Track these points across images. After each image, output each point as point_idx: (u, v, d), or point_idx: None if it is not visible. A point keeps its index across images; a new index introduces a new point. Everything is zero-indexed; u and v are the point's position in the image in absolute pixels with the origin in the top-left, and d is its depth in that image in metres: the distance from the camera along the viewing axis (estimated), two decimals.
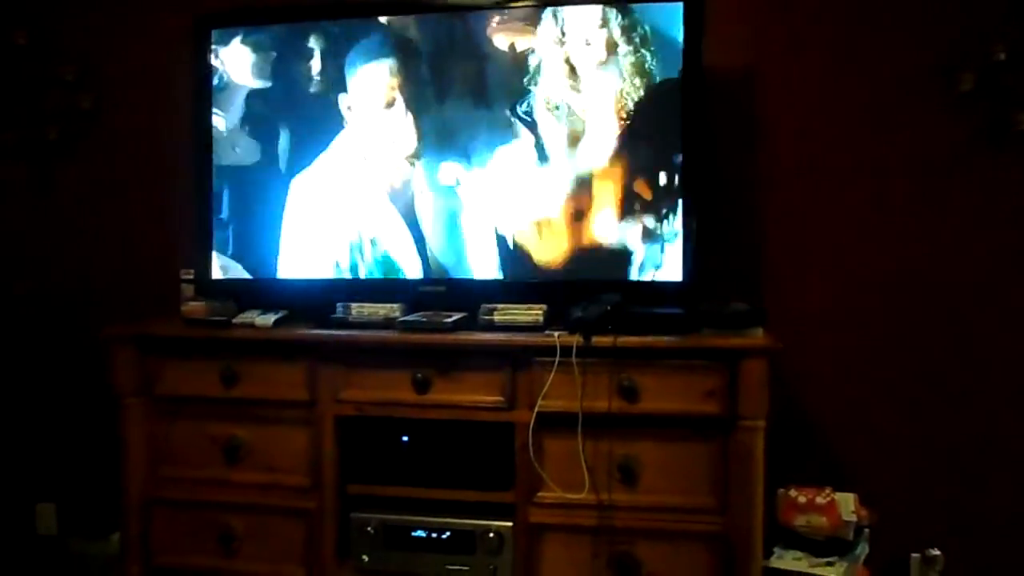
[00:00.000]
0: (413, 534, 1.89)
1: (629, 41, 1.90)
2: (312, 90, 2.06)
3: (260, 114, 2.10)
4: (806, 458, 2.09)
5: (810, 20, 2.12)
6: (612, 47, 1.91)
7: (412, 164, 2.01)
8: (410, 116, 2.01)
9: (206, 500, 1.97)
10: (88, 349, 2.32)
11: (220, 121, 2.12)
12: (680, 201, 1.90)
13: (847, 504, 1.88)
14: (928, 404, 2.09)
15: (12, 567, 2.54)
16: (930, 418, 2.09)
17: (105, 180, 2.50)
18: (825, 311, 2.13)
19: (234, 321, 1.97)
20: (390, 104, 2.01)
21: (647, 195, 1.92)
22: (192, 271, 2.17)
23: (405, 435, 1.91)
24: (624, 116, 1.92)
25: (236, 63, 2.12)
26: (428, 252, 2.02)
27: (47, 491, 2.56)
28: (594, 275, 1.93)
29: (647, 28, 1.90)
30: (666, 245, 1.91)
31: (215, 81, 2.12)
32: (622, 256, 1.93)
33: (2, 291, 2.57)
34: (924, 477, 2.09)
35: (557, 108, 1.94)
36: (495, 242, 1.98)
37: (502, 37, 1.96)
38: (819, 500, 1.89)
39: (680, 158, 1.89)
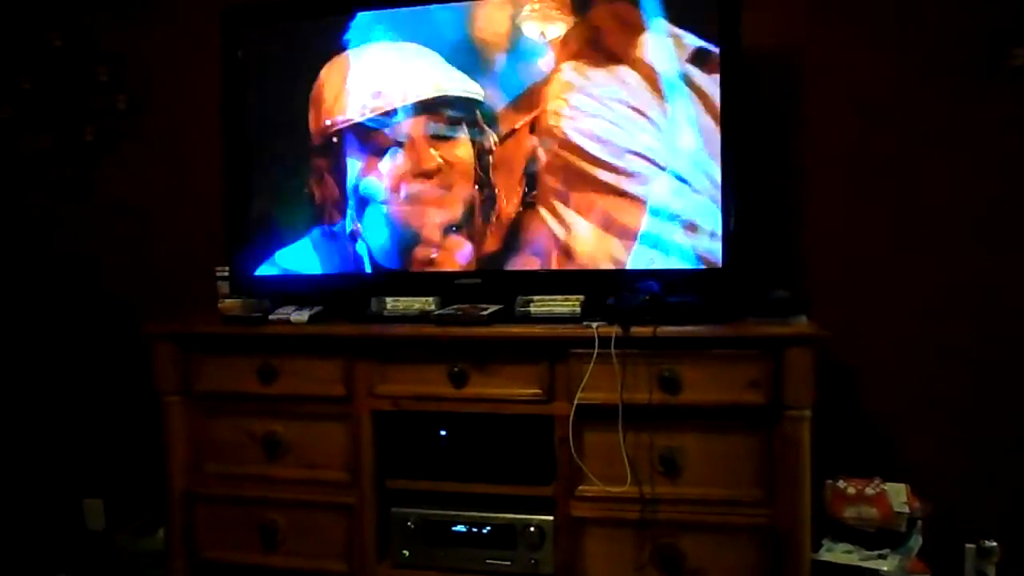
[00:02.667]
0: (453, 529, 1.88)
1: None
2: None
3: (292, 107, 2.09)
4: (854, 448, 2.03)
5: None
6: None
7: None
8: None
9: (248, 496, 1.98)
10: (132, 346, 2.36)
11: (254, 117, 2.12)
12: (719, 187, 1.84)
13: (898, 495, 1.82)
14: (980, 391, 2.01)
15: (61, 562, 2.60)
16: (983, 405, 2.01)
17: (142, 179, 2.53)
18: (872, 298, 2.06)
19: (270, 318, 1.98)
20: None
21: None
22: (227, 268, 2.18)
23: (443, 429, 1.90)
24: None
25: (268, 57, 2.11)
26: (463, 242, 1.99)
27: (95, 487, 2.61)
28: (632, 263, 1.89)
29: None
30: (706, 232, 1.86)
31: (248, 75, 2.11)
32: (660, 243, 1.88)
33: (46, 291, 2.62)
34: (978, 466, 2.01)
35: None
36: (531, 231, 1.95)
37: (530, 25, 1.92)
38: (869, 491, 1.83)
39: (719, 142, 1.84)
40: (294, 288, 2.10)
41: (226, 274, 2.18)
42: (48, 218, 2.61)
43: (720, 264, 1.85)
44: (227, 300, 2.11)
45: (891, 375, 2.06)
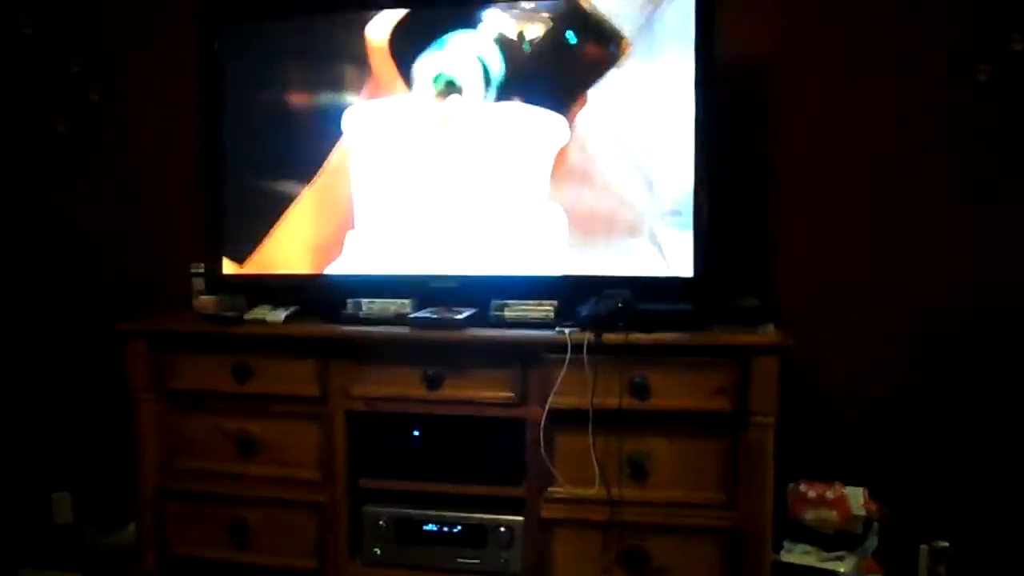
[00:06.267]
0: (424, 528, 1.91)
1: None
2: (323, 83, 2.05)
3: (269, 106, 2.09)
4: (816, 452, 2.09)
5: (826, 10, 2.09)
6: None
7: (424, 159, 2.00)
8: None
9: (219, 493, 1.99)
10: (102, 341, 2.34)
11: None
12: (691, 195, 1.88)
13: (857, 498, 1.89)
14: (936, 396, 2.08)
15: (29, 555, 2.58)
16: (938, 410, 2.08)
17: (115, 173, 2.50)
18: (836, 305, 2.12)
19: (245, 317, 1.98)
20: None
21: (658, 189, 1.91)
22: (202, 265, 2.17)
23: (416, 429, 1.92)
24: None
25: (244, 55, 2.10)
26: (438, 245, 2.01)
27: (63, 480, 2.59)
28: (604, 270, 1.93)
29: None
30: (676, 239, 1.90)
31: (224, 73, 2.11)
32: (633, 251, 1.92)
33: (16, 285, 2.58)
34: (932, 470, 2.09)
35: None
36: (505, 236, 1.97)
37: (512, 25, 1.94)
38: (829, 495, 1.89)
39: (692, 151, 1.88)
40: (270, 285, 2.10)
41: (201, 271, 2.17)
42: (19, 211, 2.57)
43: (691, 272, 1.89)
44: (202, 297, 2.12)
45: (852, 382, 2.12)
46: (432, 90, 1.96)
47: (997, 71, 1.99)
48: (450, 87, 1.95)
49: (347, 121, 2.03)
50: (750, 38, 2.10)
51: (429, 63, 1.96)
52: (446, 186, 1.99)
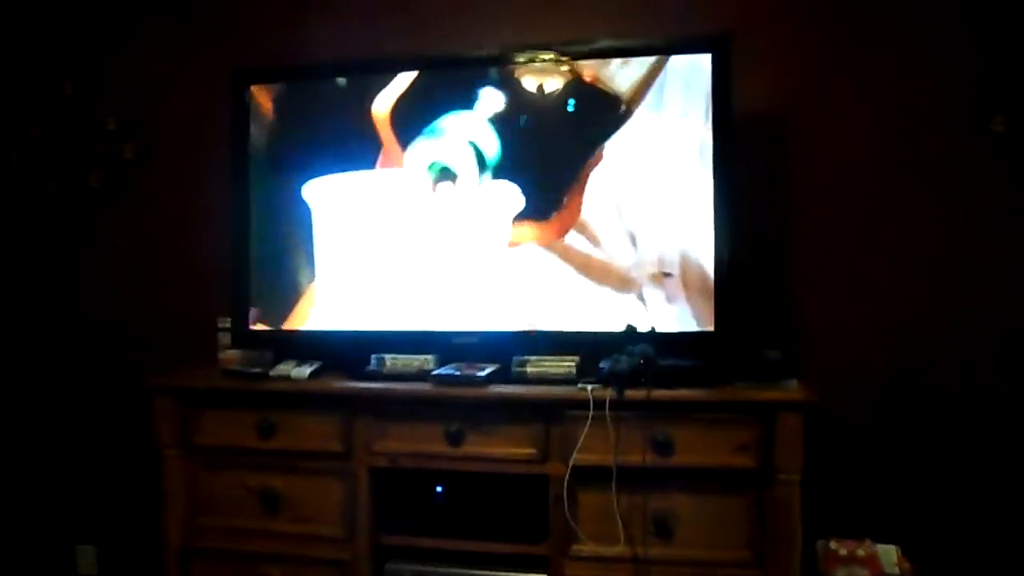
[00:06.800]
0: None
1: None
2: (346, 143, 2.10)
3: (294, 166, 2.14)
4: (844, 509, 2.05)
5: (841, 64, 2.11)
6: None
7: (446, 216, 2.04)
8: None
9: (243, 550, 1.99)
10: (130, 393, 2.38)
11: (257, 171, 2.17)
12: (712, 249, 1.89)
13: (889, 557, 1.85)
14: (970, 453, 2.04)
15: None
16: (973, 467, 2.04)
17: (146, 228, 2.56)
18: (860, 357, 2.10)
19: (270, 373, 2.00)
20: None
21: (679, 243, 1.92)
22: (229, 319, 2.21)
23: (439, 486, 1.92)
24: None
25: (274, 117, 2.17)
26: (461, 302, 2.03)
27: (87, 533, 2.61)
28: (624, 325, 1.92)
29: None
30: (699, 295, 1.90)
31: (253, 133, 2.17)
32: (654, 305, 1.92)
33: (46, 337, 2.64)
34: (966, 528, 2.04)
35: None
36: (527, 292, 1.99)
37: (529, 79, 1.99)
38: (860, 552, 1.86)
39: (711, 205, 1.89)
40: (295, 342, 2.13)
41: (228, 325, 2.21)
42: (51, 264, 2.64)
43: (712, 327, 1.89)
44: (228, 352, 2.14)
45: (880, 436, 2.09)
46: (428, 177, 2.01)
47: (1012, 121, 1.99)
48: (445, 174, 2.00)
49: (310, 193, 2.10)
50: (766, 93, 2.12)
51: (423, 151, 2.02)
52: (459, 248, 2.02)
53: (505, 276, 2.00)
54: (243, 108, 2.18)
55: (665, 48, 1.93)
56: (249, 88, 2.17)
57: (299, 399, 1.95)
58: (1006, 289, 2.03)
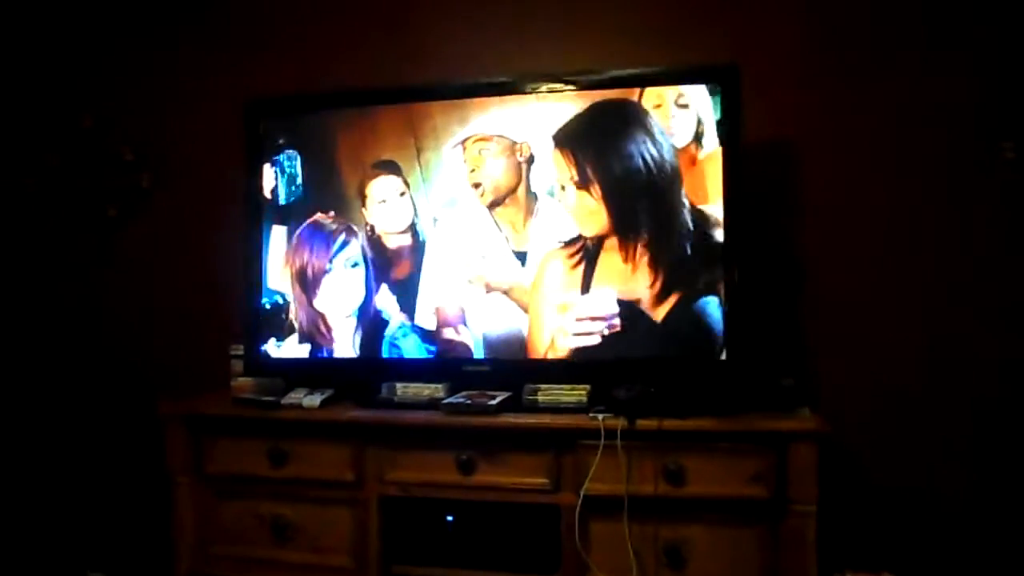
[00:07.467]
0: None
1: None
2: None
3: (305, 195, 2.17)
4: (861, 541, 2.02)
5: (850, 93, 2.12)
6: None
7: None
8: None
9: None
10: (142, 420, 2.39)
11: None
12: (722, 278, 1.89)
13: None
14: (990, 483, 2.01)
15: None
16: (993, 499, 2.01)
17: (160, 257, 2.60)
18: (873, 385, 2.08)
19: (282, 402, 2.01)
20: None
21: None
22: (241, 347, 2.22)
23: (450, 515, 1.91)
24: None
25: (287, 147, 2.20)
26: (471, 330, 2.03)
27: (98, 560, 2.60)
28: (637, 353, 1.92)
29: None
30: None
31: (266, 164, 2.20)
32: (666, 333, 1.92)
33: (59, 363, 2.67)
34: (986, 561, 2.00)
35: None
36: (537, 320, 1.99)
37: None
38: None
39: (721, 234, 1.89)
40: (307, 369, 2.13)
41: (240, 353, 2.22)
42: (68, 292, 2.67)
43: (724, 355, 1.88)
44: (240, 379, 2.15)
45: (896, 464, 2.07)
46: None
47: (1023, 148, 1.99)
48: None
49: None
50: (776, 121, 2.13)
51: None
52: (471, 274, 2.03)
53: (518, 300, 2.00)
54: (256, 139, 2.21)
55: (673, 77, 1.94)
56: (261, 120, 2.21)
57: (310, 428, 1.96)
58: (1018, 311, 2.00)
